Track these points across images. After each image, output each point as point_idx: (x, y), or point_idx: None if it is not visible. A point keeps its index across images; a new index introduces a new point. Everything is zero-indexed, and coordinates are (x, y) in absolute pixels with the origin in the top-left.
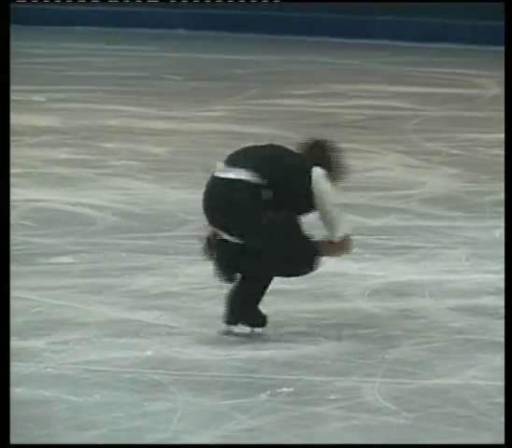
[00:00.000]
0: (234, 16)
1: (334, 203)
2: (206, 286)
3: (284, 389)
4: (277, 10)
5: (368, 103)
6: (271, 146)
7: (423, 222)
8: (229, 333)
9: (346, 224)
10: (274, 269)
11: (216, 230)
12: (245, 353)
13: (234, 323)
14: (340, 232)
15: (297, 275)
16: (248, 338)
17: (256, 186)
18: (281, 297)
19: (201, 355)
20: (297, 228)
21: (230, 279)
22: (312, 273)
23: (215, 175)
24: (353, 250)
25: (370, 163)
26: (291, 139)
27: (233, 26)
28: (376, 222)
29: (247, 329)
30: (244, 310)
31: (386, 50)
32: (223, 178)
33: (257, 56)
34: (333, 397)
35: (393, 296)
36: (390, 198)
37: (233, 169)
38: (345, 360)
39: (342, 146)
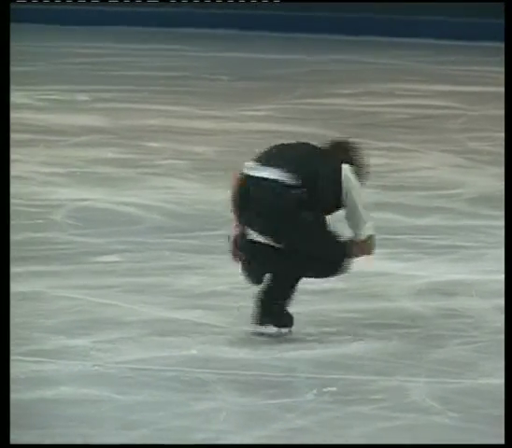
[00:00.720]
0: (278, 16)
1: (361, 202)
2: (250, 285)
3: (329, 389)
4: (322, 11)
5: (412, 102)
6: (301, 144)
7: (467, 221)
8: (258, 334)
9: (370, 224)
10: (304, 269)
11: (246, 229)
12: (289, 352)
13: (264, 323)
14: (365, 232)
15: (327, 276)
16: (292, 338)
17: (289, 185)
18: (324, 296)
19: (245, 354)
20: (327, 227)
21: (258, 281)
22: (346, 274)
23: (247, 173)
24: (374, 251)
25: (414, 163)
26: (332, 137)
27: (277, 26)
28: (420, 222)
29: (273, 330)
30: (272, 310)
31: (430, 49)
32: (257, 177)
33: (301, 56)
34: (377, 396)
35: (437, 295)
36: (433, 197)
37: (266, 168)
38: (388, 360)
39: (385, 145)
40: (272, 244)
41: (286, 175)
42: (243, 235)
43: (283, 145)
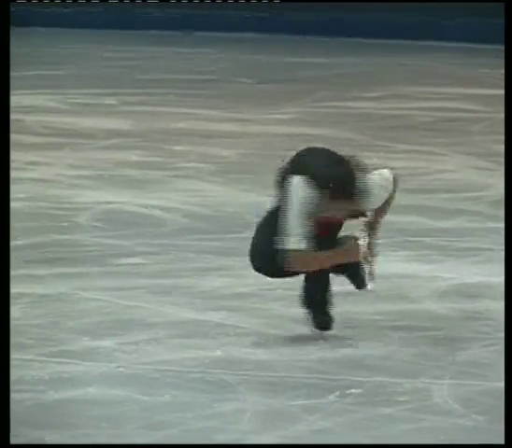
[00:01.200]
0: (302, 19)
1: (294, 213)
2: (275, 287)
3: (353, 390)
4: (347, 12)
5: (438, 105)
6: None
7: (492, 224)
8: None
9: (295, 239)
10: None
11: None
12: (313, 354)
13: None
14: (288, 245)
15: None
16: (316, 339)
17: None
18: (349, 298)
19: (270, 355)
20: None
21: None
22: (377, 274)
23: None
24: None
25: (439, 165)
26: (360, 141)
27: (302, 29)
28: (445, 224)
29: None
30: (312, 312)
31: (455, 52)
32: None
33: (326, 59)
34: (402, 398)
35: (463, 298)
36: (458, 200)
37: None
38: (413, 362)
39: (410, 148)
40: None
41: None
42: None
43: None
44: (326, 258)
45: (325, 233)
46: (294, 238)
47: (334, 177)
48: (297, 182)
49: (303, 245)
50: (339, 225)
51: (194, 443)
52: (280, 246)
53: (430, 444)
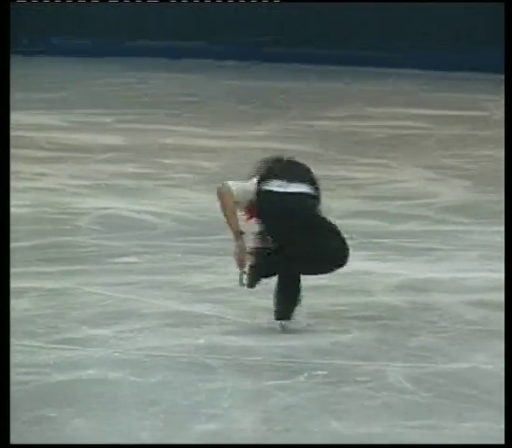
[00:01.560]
0: (276, 51)
1: None
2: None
3: (319, 372)
4: (316, 48)
5: (392, 123)
6: (296, 161)
7: (440, 227)
8: (284, 328)
9: None
10: (312, 267)
11: (268, 239)
12: (285, 341)
13: (290, 318)
14: None
15: (332, 270)
16: (288, 328)
17: (314, 197)
18: (316, 292)
19: (247, 342)
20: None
21: (254, 285)
22: (341, 271)
23: (276, 190)
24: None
25: (394, 176)
26: (326, 155)
27: (275, 58)
28: (399, 227)
29: (303, 323)
30: (292, 306)
31: (408, 78)
32: (289, 193)
33: (296, 84)
34: (361, 378)
35: (414, 291)
36: (411, 206)
37: (292, 184)
38: (371, 347)
39: (369, 161)
40: (288, 247)
41: (310, 188)
42: (263, 244)
43: (287, 161)
44: (230, 215)
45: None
46: (233, 188)
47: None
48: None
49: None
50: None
51: (193, 443)
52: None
53: (430, 444)
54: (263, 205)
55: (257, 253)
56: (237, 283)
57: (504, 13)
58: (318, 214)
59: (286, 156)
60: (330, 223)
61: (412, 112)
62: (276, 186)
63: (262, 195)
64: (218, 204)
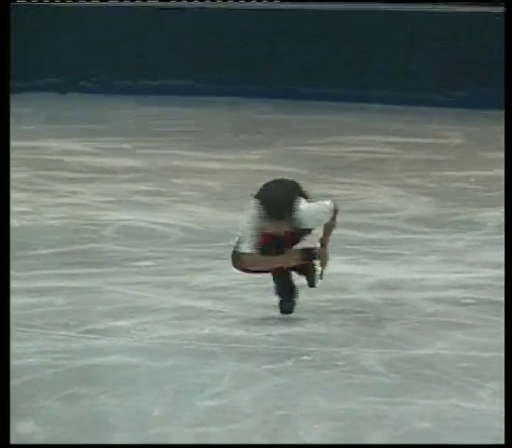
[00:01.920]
0: (267, 89)
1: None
2: (248, 282)
3: (305, 357)
4: (301, 85)
5: (364, 149)
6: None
7: (405, 236)
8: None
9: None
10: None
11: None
12: (276, 331)
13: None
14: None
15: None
16: (279, 320)
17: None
18: (303, 290)
19: (245, 332)
20: None
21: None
22: (324, 273)
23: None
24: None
25: (367, 193)
26: (310, 175)
27: (268, 94)
28: (372, 236)
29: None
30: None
31: (380, 113)
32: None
33: (284, 116)
34: (339, 363)
35: (384, 289)
36: (381, 218)
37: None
38: (348, 336)
39: (347, 180)
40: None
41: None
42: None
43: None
44: (269, 260)
45: (269, 243)
46: (245, 245)
47: (269, 203)
48: (252, 204)
49: (249, 250)
50: (282, 238)
51: (194, 444)
52: (236, 250)
53: (430, 444)
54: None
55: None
56: (235, 282)
57: (505, 13)
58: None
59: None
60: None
61: (381, 140)
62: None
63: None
64: (240, 268)
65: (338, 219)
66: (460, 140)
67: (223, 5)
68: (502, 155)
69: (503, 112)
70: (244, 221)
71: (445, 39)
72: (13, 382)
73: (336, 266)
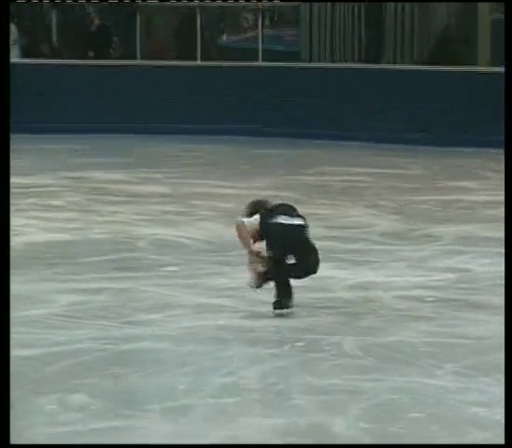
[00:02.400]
0: (268, 132)
1: None
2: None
3: (298, 343)
4: (299, 128)
5: (346, 178)
6: (287, 203)
7: (378, 247)
8: (280, 314)
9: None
10: (301, 272)
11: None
12: (275, 322)
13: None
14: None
15: (310, 274)
16: (277, 313)
17: (306, 226)
18: (295, 290)
19: (251, 323)
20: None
21: (260, 286)
22: (313, 276)
23: (285, 222)
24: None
25: (348, 213)
26: (303, 198)
27: (268, 134)
28: (351, 246)
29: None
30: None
31: (356, 148)
32: (296, 225)
33: (283, 151)
34: (326, 348)
35: (362, 289)
36: (358, 232)
37: (294, 218)
38: (332, 327)
39: (331, 202)
40: (288, 259)
41: (303, 220)
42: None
43: (283, 204)
44: (245, 239)
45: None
46: (245, 222)
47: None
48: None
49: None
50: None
51: (194, 443)
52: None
53: (430, 444)
54: (273, 232)
55: (266, 263)
56: (247, 285)
57: (505, 13)
58: (307, 237)
59: (271, 200)
60: (312, 243)
61: (359, 170)
62: (282, 219)
63: (270, 226)
64: (235, 233)
65: (325, 233)
66: (421, 171)
67: (229, 63)
68: (452, 183)
69: (457, 149)
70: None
71: (414, 92)
72: (66, 362)
73: (323, 271)
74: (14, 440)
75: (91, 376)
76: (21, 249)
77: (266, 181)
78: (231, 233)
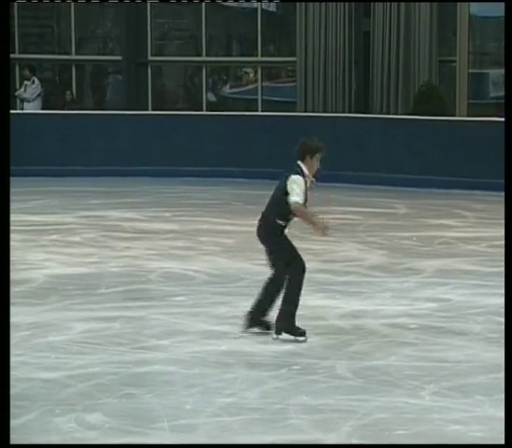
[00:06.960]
0: (263, 171)
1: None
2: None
3: (294, 367)
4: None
5: (338, 216)
6: None
7: (367, 279)
8: (278, 338)
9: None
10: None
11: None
12: (274, 348)
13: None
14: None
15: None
16: (275, 339)
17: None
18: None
19: (251, 348)
20: None
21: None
22: (306, 305)
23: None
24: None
25: (338, 248)
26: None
27: (267, 176)
28: (342, 279)
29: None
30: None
31: (349, 190)
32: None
33: None
34: (320, 371)
35: (351, 317)
36: (349, 266)
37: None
38: (325, 351)
39: (325, 239)
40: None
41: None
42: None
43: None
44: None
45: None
46: (298, 197)
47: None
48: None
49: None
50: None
51: (195, 443)
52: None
53: (430, 444)
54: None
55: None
56: (245, 312)
57: (505, 13)
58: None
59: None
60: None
61: (350, 209)
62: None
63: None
64: (298, 213)
65: (319, 267)
66: (405, 210)
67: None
68: (434, 221)
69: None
70: (296, 185)
71: (404, 138)
72: (83, 384)
73: (316, 301)
74: None
75: (105, 397)
76: (42, 281)
77: None
78: (233, 266)
